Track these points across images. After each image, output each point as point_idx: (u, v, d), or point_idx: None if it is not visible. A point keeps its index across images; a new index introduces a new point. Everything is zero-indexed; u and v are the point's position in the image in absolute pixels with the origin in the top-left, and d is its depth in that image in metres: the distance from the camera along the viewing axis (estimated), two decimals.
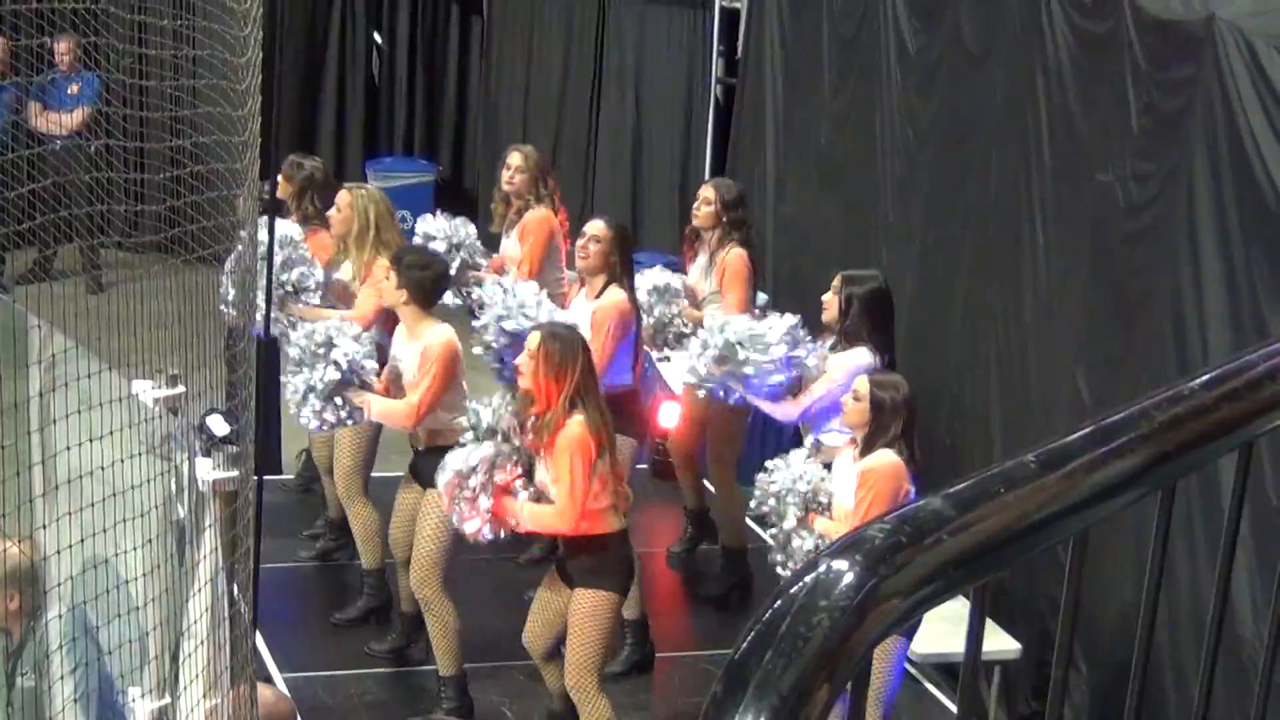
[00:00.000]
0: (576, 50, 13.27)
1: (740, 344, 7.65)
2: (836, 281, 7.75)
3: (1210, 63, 6.81)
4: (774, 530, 6.89)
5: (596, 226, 8.24)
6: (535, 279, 8.90)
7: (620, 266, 8.16)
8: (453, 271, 8.87)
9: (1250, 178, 6.58)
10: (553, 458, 6.75)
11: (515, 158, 9.31)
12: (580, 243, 8.23)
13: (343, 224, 8.52)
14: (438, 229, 9.28)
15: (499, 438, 6.86)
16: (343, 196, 8.58)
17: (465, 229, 9.35)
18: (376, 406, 7.57)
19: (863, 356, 7.60)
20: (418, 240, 9.17)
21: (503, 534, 6.93)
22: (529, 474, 6.90)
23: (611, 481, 6.84)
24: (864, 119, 9.69)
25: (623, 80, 12.94)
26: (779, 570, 6.86)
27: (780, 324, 7.72)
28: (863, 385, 6.82)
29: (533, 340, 6.91)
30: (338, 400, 7.52)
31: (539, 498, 6.86)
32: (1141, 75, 7.25)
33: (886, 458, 6.66)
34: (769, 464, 7.04)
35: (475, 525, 6.84)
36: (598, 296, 8.14)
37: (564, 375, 6.76)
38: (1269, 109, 6.52)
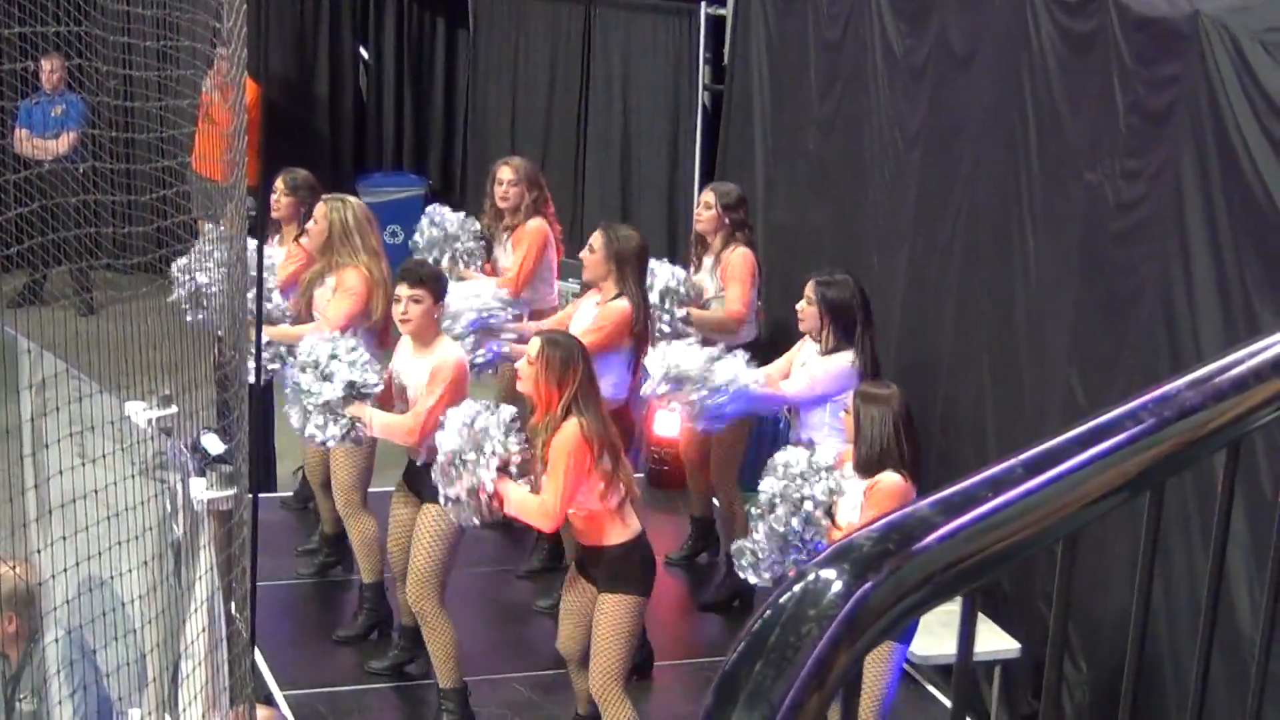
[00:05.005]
0: (562, 60, 13.26)
1: (682, 378, 7.60)
2: (809, 290, 7.78)
3: (1196, 59, 6.81)
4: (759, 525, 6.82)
5: (595, 235, 8.29)
6: (523, 290, 8.93)
7: (631, 280, 8.16)
8: (443, 266, 8.90)
9: (1238, 173, 6.59)
10: (549, 460, 6.76)
11: (505, 171, 9.29)
12: (582, 253, 8.30)
13: (319, 236, 8.45)
14: (440, 216, 9.31)
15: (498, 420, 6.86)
16: (319, 209, 8.53)
17: (467, 227, 9.35)
18: (378, 421, 7.53)
19: (844, 360, 7.64)
20: (422, 227, 9.22)
21: (488, 514, 6.90)
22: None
23: (622, 486, 6.84)
24: (851, 123, 9.69)
25: (610, 89, 12.93)
26: (745, 572, 6.88)
27: (727, 366, 7.67)
28: (851, 401, 6.84)
29: (533, 347, 6.93)
30: (342, 415, 7.48)
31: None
32: (1128, 73, 7.25)
33: (889, 478, 6.65)
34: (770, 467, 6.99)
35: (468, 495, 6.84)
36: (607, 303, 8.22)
37: (566, 381, 6.79)
38: (1255, 104, 6.53)
